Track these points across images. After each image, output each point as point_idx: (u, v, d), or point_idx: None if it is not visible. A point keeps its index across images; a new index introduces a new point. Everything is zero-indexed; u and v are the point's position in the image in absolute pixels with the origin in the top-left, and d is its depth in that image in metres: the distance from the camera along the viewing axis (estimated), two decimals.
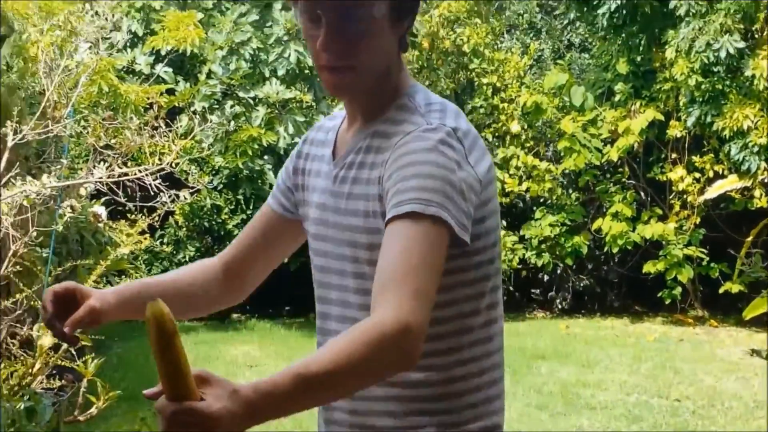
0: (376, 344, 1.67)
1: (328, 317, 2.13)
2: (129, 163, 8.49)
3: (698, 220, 12.22)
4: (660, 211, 12.57)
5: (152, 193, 8.00)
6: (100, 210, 8.03)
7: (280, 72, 11.57)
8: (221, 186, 11.67)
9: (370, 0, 1.95)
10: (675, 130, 12.18)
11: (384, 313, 1.70)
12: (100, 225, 8.02)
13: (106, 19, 8.56)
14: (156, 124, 8.58)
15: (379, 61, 2.02)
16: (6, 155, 6.68)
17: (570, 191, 13.11)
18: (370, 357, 1.67)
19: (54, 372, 5.83)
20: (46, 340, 5.83)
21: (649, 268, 12.22)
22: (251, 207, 11.77)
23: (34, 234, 6.38)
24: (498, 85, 13.38)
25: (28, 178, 6.72)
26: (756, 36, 11.79)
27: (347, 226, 2.04)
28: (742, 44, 11.46)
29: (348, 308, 2.07)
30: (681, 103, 12.09)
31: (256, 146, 11.14)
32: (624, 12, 12.08)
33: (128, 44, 10.96)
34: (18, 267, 6.19)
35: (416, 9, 2.07)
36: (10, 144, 6.58)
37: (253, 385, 1.57)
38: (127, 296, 2.25)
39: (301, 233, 2.28)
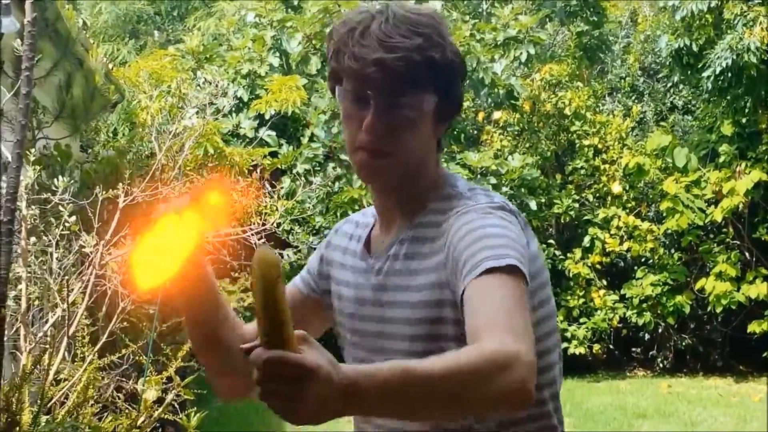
0: (491, 360, 1.58)
1: None
2: (233, 223, 8.73)
3: None
4: (765, 272, 12.41)
5: None
6: None
7: None
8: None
9: (422, 92, 1.97)
10: None
11: (490, 343, 1.63)
12: None
13: (216, 86, 8.84)
14: (260, 186, 8.80)
15: (416, 154, 2.00)
16: (117, 216, 6.92)
17: (672, 251, 13.03)
18: (483, 369, 1.57)
19: (158, 425, 5.98)
20: (151, 393, 6.02)
21: (754, 327, 12.05)
22: None
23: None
24: (599, 146, 13.42)
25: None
26: None
27: (394, 318, 2.02)
28: None
29: None
30: None
31: (356, 207, 11.34)
32: (729, 74, 12.04)
33: (233, 109, 11.28)
34: (125, 323, 6.40)
35: (458, 113, 2.09)
36: (121, 205, 6.81)
37: (353, 366, 1.52)
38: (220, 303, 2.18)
39: (328, 319, 2.27)
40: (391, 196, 2.07)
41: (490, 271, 1.77)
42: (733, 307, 12.26)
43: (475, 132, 13.67)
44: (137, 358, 6.24)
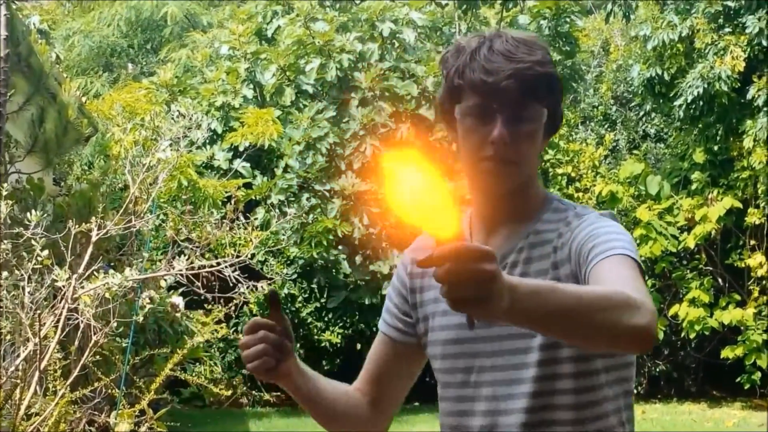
0: (624, 297, 1.78)
1: (465, 414, 2.19)
2: (207, 255, 8.73)
3: None
4: (738, 297, 12.49)
5: (230, 284, 8.20)
6: (178, 300, 8.26)
7: (356, 165, 11.83)
8: (296, 275, 11.88)
9: (540, 105, 2.10)
10: (753, 217, 12.16)
11: (622, 289, 1.81)
12: (178, 315, 8.24)
13: (190, 118, 8.86)
14: (234, 217, 8.81)
15: (532, 164, 2.15)
16: (90, 250, 6.92)
17: (646, 278, 13.01)
18: (619, 302, 1.77)
19: None
20: (123, 427, 6.02)
21: (728, 353, 12.12)
22: (325, 296, 11.95)
23: (115, 325, 6.58)
24: (573, 175, 13.50)
25: (111, 271, 6.95)
26: None
27: (510, 335, 2.12)
28: None
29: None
30: (759, 191, 12.09)
31: (331, 237, 11.37)
32: (701, 103, 12.16)
33: (207, 141, 11.31)
34: (98, 357, 6.39)
35: (558, 130, 2.21)
36: (94, 239, 6.81)
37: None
38: (307, 372, 2.25)
39: (423, 354, 2.34)
40: (506, 205, 2.18)
41: (615, 256, 1.95)
42: (707, 333, 12.33)
43: (450, 161, 13.72)
44: (110, 391, 6.24)
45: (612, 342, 1.86)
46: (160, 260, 8.79)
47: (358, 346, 12.26)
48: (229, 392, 10.71)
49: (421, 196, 1.63)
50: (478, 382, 2.17)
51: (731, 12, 12.26)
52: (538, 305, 1.70)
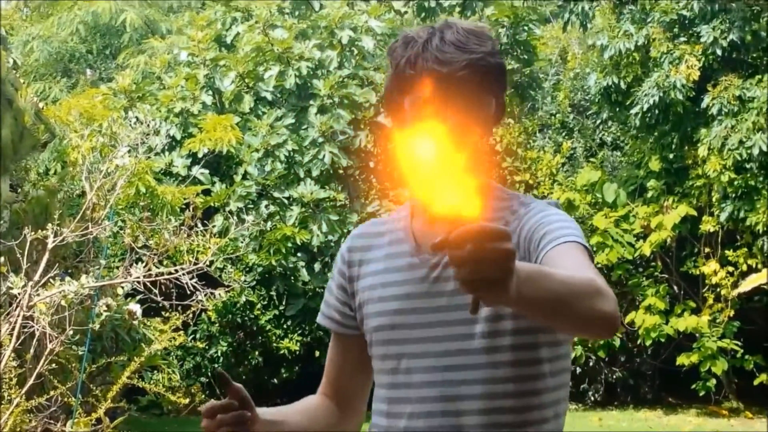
0: (596, 284, 1.87)
1: (396, 401, 2.21)
2: (165, 262, 8.71)
3: (732, 313, 12.26)
4: (693, 304, 12.62)
5: (188, 292, 8.19)
6: (135, 308, 8.23)
7: (315, 172, 11.85)
8: (255, 283, 11.87)
9: (490, 95, 2.16)
10: (708, 225, 12.29)
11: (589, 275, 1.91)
12: (135, 322, 8.22)
13: (148, 125, 8.83)
14: (192, 224, 8.79)
15: (482, 152, 2.22)
16: (46, 257, 6.89)
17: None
18: (590, 288, 1.85)
19: None
20: None
21: (683, 360, 12.24)
22: (284, 303, 11.95)
23: (71, 333, 6.55)
24: (530, 182, 13.59)
25: (67, 278, 6.92)
26: None
27: (455, 305, 2.13)
28: None
29: (455, 386, 2.15)
30: (714, 199, 12.23)
31: (289, 244, 11.37)
32: (657, 111, 12.28)
33: (166, 147, 11.27)
34: (53, 365, 6.36)
35: (503, 117, 2.27)
36: (50, 246, 6.78)
37: None
38: (277, 420, 2.29)
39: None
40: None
41: (568, 243, 2.02)
42: (662, 340, 12.44)
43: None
44: (66, 399, 6.21)
45: (586, 327, 1.96)
46: (117, 267, 8.77)
47: (317, 353, 12.24)
48: (188, 400, 10.65)
49: (435, 176, 1.66)
50: (411, 368, 2.19)
51: (686, 21, 12.40)
52: (534, 290, 1.75)
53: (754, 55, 12.47)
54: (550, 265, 1.96)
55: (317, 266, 11.97)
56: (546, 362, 2.16)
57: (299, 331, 12.09)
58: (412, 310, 2.20)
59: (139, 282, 7.61)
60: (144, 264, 7.82)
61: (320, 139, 11.97)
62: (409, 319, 2.20)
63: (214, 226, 10.56)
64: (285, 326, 12.06)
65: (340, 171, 12.31)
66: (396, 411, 2.22)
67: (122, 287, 8.04)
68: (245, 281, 11.55)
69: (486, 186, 2.25)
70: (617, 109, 13.17)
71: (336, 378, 2.40)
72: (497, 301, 1.72)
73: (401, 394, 2.22)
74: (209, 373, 11.95)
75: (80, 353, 7.14)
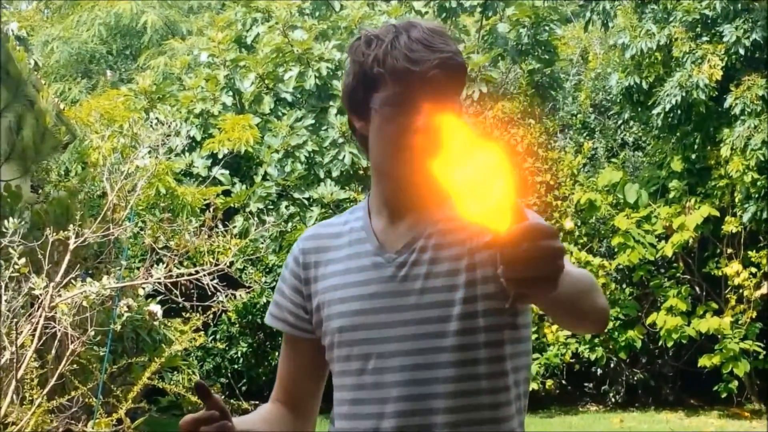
0: (595, 282, 1.96)
1: (363, 402, 2.18)
2: (186, 263, 8.71)
3: (754, 314, 12.18)
4: (715, 306, 12.54)
5: (209, 293, 8.19)
6: (156, 308, 8.23)
7: (335, 173, 11.84)
8: (274, 283, 11.86)
9: (458, 94, 2.16)
10: (730, 226, 12.21)
11: None
12: (156, 323, 8.22)
13: (169, 126, 8.85)
14: (212, 225, 8.80)
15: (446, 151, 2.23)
16: (67, 257, 6.90)
17: (624, 286, 13.15)
18: (594, 284, 1.92)
19: None
20: None
21: (705, 361, 12.17)
22: None
23: (92, 333, 6.56)
24: (551, 183, 13.53)
25: (88, 279, 6.93)
26: None
27: (424, 304, 2.13)
28: None
29: (424, 385, 2.14)
30: (736, 200, 12.15)
31: None
32: (679, 111, 12.22)
33: (186, 148, 11.29)
34: (75, 365, 6.37)
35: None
36: (71, 247, 6.79)
37: None
38: (248, 430, 2.29)
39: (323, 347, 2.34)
40: (416, 193, 2.20)
41: None
42: (684, 342, 12.37)
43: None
44: (87, 400, 6.21)
45: (589, 322, 1.97)
46: (138, 268, 8.77)
47: None
48: None
49: (481, 177, 1.65)
50: (379, 368, 2.17)
51: (708, 21, 12.33)
52: (562, 286, 1.74)
53: None
54: None
55: None
56: (509, 359, 2.16)
57: None
58: (378, 309, 2.18)
59: (159, 283, 7.61)
60: (165, 265, 7.82)
61: (340, 140, 11.96)
62: (375, 318, 2.18)
63: (234, 227, 10.55)
64: None
65: (360, 171, 12.28)
66: (363, 412, 2.20)
67: (143, 288, 8.04)
68: (265, 282, 11.55)
69: (444, 193, 2.25)
70: (639, 110, 13.11)
71: (290, 382, 2.38)
72: (540, 298, 1.72)
73: (368, 395, 2.19)
74: (229, 374, 11.95)
75: (101, 354, 7.14)
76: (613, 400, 13.16)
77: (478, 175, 1.65)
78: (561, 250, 1.64)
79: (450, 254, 2.15)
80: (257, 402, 12.09)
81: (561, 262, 1.64)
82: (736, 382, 12.15)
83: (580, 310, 1.87)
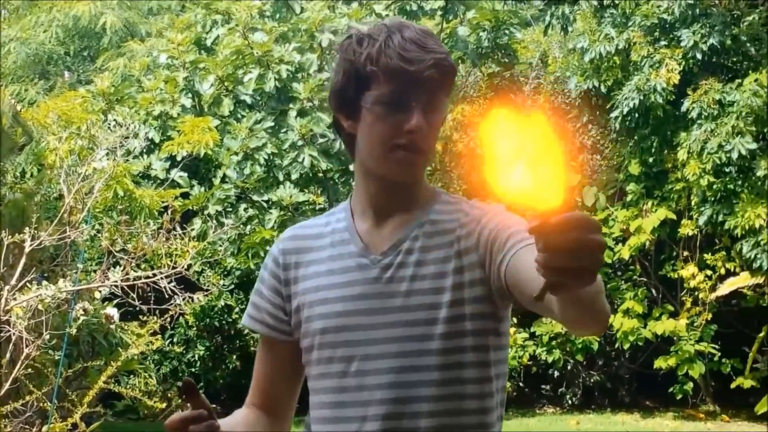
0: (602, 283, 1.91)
1: (345, 405, 2.17)
2: (143, 266, 8.67)
3: (710, 317, 12.29)
4: (671, 308, 12.65)
5: (166, 296, 8.15)
6: (113, 312, 8.18)
7: (294, 176, 11.81)
8: (233, 286, 11.84)
9: (447, 96, 2.17)
10: (687, 229, 12.32)
11: None
12: (112, 326, 8.18)
13: (127, 127, 8.80)
14: (170, 228, 8.76)
15: (433, 154, 2.23)
16: (23, 260, 6.86)
17: None
18: (602, 287, 1.87)
19: None
20: None
21: (661, 363, 12.27)
22: None
23: (47, 337, 6.52)
24: None
25: (44, 282, 6.88)
26: (767, 138, 12.00)
27: (411, 306, 2.13)
28: (753, 145, 11.69)
29: (405, 388, 2.13)
30: (693, 203, 12.25)
31: (268, 248, 11.32)
32: (637, 115, 12.32)
33: (144, 150, 11.22)
34: (30, 369, 6.32)
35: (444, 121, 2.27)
36: (27, 249, 6.75)
37: None
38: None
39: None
40: (402, 194, 2.22)
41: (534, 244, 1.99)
42: (640, 344, 12.47)
43: None
44: (41, 404, 6.17)
45: (598, 321, 1.91)
46: (94, 271, 8.72)
47: None
48: (164, 405, 10.60)
49: (531, 160, 1.61)
50: (363, 371, 2.15)
51: (667, 25, 12.44)
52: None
53: (734, 59, 12.52)
54: (522, 264, 1.97)
55: None
56: (493, 365, 2.17)
57: None
58: (362, 311, 2.17)
59: (116, 286, 7.57)
60: (122, 268, 7.78)
61: (300, 143, 11.93)
62: (359, 320, 2.17)
63: (192, 230, 10.53)
64: None
65: (320, 174, 12.26)
66: (345, 415, 2.18)
67: (99, 291, 8.01)
68: (223, 285, 11.52)
69: (432, 189, 2.27)
70: (597, 113, 13.21)
71: (266, 384, 2.36)
72: (573, 291, 1.68)
73: (351, 398, 2.17)
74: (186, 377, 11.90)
75: (56, 358, 7.09)
76: (569, 402, 13.24)
77: (530, 160, 1.61)
78: (604, 244, 1.62)
79: (437, 257, 2.15)
80: (214, 405, 12.03)
81: (602, 256, 1.63)
82: (691, 384, 12.27)
83: (594, 310, 1.85)
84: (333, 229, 2.28)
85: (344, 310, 2.19)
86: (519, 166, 1.60)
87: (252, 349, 11.91)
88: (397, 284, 2.16)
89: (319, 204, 11.87)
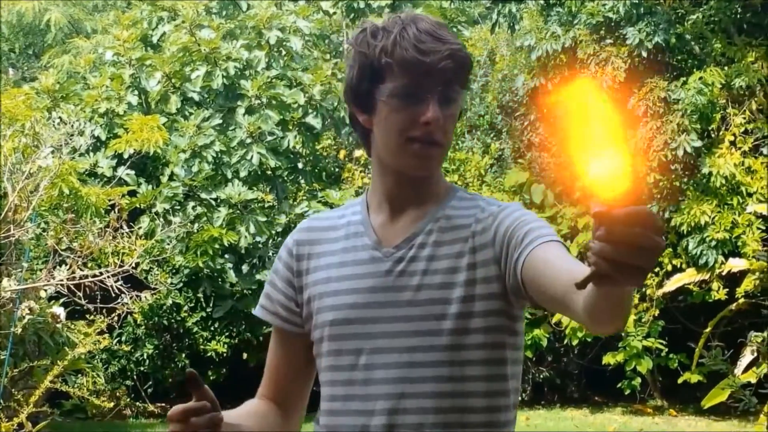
0: None
1: (353, 398, 2.15)
2: (90, 264, 8.60)
3: (657, 313, 12.39)
4: None
5: (113, 294, 8.09)
6: (59, 311, 8.10)
7: (243, 173, 11.77)
8: (181, 285, 11.76)
9: (463, 87, 2.13)
10: None
11: None
12: (59, 326, 8.09)
13: (72, 125, 8.71)
14: (117, 226, 8.69)
15: (449, 147, 2.19)
16: None
17: None
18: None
19: None
20: None
21: (609, 359, 12.35)
22: (211, 305, 11.85)
23: None
24: (459, 183, 13.62)
25: None
26: (712, 135, 12.12)
27: (419, 301, 2.10)
28: (698, 143, 11.79)
29: (414, 383, 2.10)
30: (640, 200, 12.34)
31: (217, 246, 11.28)
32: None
33: (91, 148, 11.12)
34: None
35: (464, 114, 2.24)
36: None
37: None
38: (234, 423, 2.21)
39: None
40: (418, 187, 2.19)
41: (554, 242, 2.00)
42: (589, 340, 12.55)
43: (337, 170, 13.76)
44: None
45: (619, 320, 1.85)
46: (40, 270, 8.62)
47: (245, 355, 12.17)
48: (113, 404, 10.53)
49: (604, 152, 1.55)
50: (370, 364, 2.13)
51: (612, 23, 12.52)
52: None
53: (679, 57, 12.63)
54: (544, 261, 1.94)
55: (245, 268, 11.90)
56: (510, 364, 2.14)
57: (226, 333, 12.01)
58: (372, 304, 2.15)
59: (62, 285, 7.50)
60: (68, 266, 7.71)
61: (248, 140, 11.90)
62: (369, 313, 2.15)
63: (140, 228, 10.47)
64: (212, 328, 11.97)
65: (269, 172, 12.23)
66: (354, 408, 2.15)
67: (45, 290, 7.93)
68: (172, 283, 11.44)
69: (448, 184, 2.24)
70: (545, 111, 13.26)
71: (278, 377, 2.33)
72: (622, 286, 1.63)
73: (359, 391, 2.15)
74: (134, 376, 11.81)
75: (2, 357, 7.00)
76: (519, 398, 13.30)
77: (604, 147, 1.55)
78: (664, 247, 1.59)
79: (450, 252, 2.12)
80: (164, 404, 11.96)
81: (658, 259, 1.59)
82: (639, 379, 12.36)
83: (622, 308, 1.78)
84: (348, 222, 2.26)
85: (355, 303, 2.17)
86: (595, 152, 1.56)
87: (201, 347, 11.85)
88: (408, 278, 2.14)
89: (268, 202, 11.84)
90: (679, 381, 12.04)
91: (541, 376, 13.37)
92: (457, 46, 2.10)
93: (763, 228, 11.56)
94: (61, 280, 7.48)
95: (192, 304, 11.90)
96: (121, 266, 8.24)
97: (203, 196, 11.66)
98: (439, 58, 2.07)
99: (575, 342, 12.49)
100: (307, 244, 2.28)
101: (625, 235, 1.51)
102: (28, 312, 7.21)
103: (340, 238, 2.25)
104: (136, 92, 12.33)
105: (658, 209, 11.99)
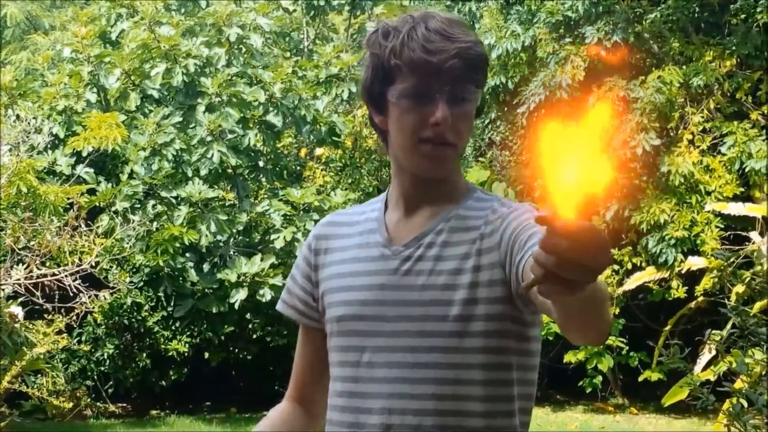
0: (608, 292, 1.88)
1: (356, 395, 2.14)
2: (48, 263, 8.52)
3: (617, 311, 12.45)
4: None
5: (72, 294, 8.02)
6: (17, 310, 8.02)
7: (203, 172, 11.70)
8: (142, 284, 11.68)
9: (476, 86, 2.11)
10: (597, 224, 12.47)
11: None
12: (17, 325, 8.01)
13: (30, 123, 8.64)
14: (76, 224, 8.62)
15: (465, 146, 2.18)
16: None
17: None
18: (607, 303, 1.81)
19: None
20: None
21: (570, 357, 12.40)
22: (172, 304, 11.77)
23: None
24: None
25: None
26: (671, 134, 12.20)
27: (424, 301, 2.09)
28: (657, 142, 11.86)
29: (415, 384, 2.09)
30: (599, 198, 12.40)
31: (177, 245, 11.21)
32: (543, 111, 12.45)
33: (49, 146, 11.02)
34: None
35: (482, 111, 2.21)
36: None
37: None
38: None
39: None
40: (434, 187, 2.17)
41: None
42: (550, 338, 12.55)
43: (298, 168, 13.73)
44: None
45: (600, 332, 1.85)
46: None
47: (206, 354, 12.11)
48: (72, 404, 10.45)
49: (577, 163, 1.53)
50: (372, 362, 2.13)
51: (571, 22, 12.60)
52: (592, 288, 1.66)
53: (638, 56, 12.70)
54: None
55: (206, 267, 11.83)
56: (515, 369, 2.11)
57: (187, 333, 11.94)
58: (379, 301, 2.15)
59: (20, 284, 7.42)
60: (25, 265, 7.64)
61: (208, 138, 11.83)
62: (375, 310, 2.15)
63: (99, 227, 10.37)
64: (173, 328, 11.90)
65: (229, 170, 12.17)
66: (355, 406, 2.15)
67: (3, 289, 7.84)
68: (132, 282, 11.36)
69: (466, 185, 2.23)
70: (505, 109, 13.31)
71: (303, 375, 2.35)
72: (567, 292, 1.60)
73: (362, 389, 2.15)
74: (95, 376, 11.72)
75: None
76: (533, 404, 13.29)
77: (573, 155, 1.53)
78: (607, 266, 1.57)
79: (456, 253, 2.11)
80: (124, 404, 11.90)
81: (606, 263, 1.56)
82: (600, 378, 12.43)
83: (590, 317, 1.78)
84: (366, 218, 2.26)
85: (364, 299, 2.17)
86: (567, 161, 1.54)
87: (161, 346, 11.78)
88: (415, 277, 2.13)
89: (229, 200, 11.79)
90: (640, 379, 12.11)
91: None
92: (467, 44, 2.08)
93: (722, 226, 11.65)
94: (19, 279, 7.40)
95: (153, 304, 11.82)
96: (79, 265, 8.18)
97: (163, 194, 11.58)
98: (446, 57, 2.06)
99: None
100: (325, 239, 2.30)
101: (576, 255, 1.51)
102: None
103: (356, 234, 2.26)
104: (94, 89, 12.23)
105: (617, 208, 12.06)
